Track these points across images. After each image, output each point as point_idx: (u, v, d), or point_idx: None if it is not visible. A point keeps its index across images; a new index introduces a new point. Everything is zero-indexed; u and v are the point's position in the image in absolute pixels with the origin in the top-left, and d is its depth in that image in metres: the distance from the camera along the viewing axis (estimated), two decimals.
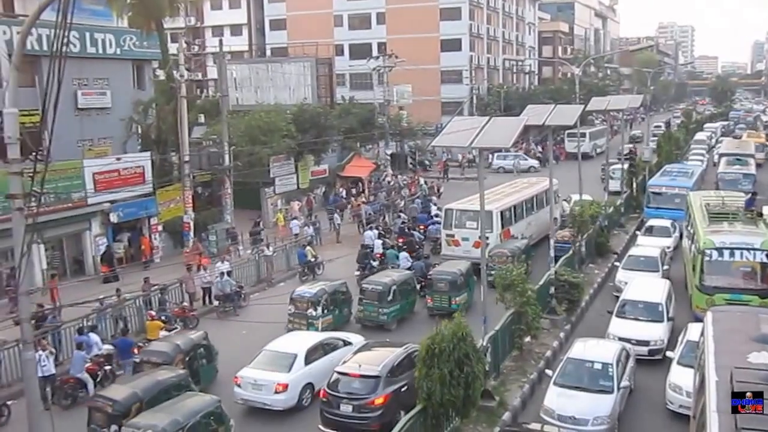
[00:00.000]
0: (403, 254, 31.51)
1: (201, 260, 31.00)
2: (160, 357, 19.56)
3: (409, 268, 29.11)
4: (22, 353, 10.16)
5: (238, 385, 19.16)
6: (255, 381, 18.97)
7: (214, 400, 16.68)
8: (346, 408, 17.19)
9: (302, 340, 20.79)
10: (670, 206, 37.01)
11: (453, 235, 31.90)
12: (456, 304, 25.02)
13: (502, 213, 32.37)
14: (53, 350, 21.11)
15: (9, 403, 19.32)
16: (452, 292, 25.77)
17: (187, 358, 19.95)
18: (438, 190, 51.51)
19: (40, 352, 19.02)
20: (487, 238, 25.27)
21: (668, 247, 32.03)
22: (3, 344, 20.43)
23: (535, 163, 63.98)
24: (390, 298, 25.03)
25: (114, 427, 16.05)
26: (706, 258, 23.71)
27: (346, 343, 21.09)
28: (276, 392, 18.83)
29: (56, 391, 19.82)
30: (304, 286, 26.31)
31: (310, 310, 24.29)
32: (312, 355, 19.82)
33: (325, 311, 24.62)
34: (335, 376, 17.85)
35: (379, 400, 17.05)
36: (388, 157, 56.96)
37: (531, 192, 36.26)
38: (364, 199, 45.33)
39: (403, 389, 17.34)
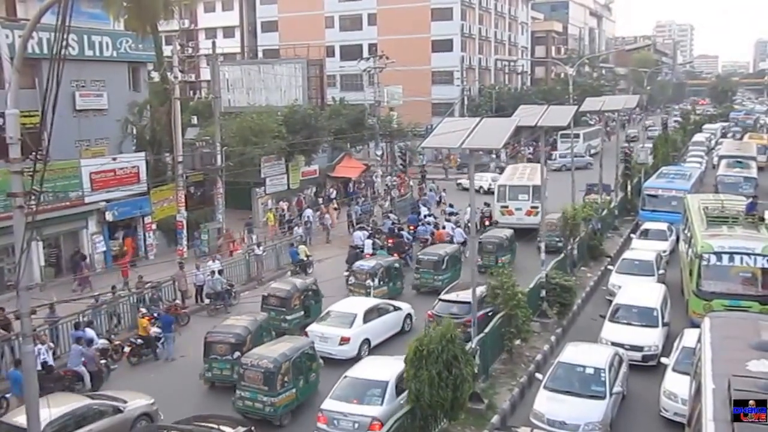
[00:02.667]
0: (458, 230, 35.08)
1: (235, 246, 34.22)
2: (282, 293, 25.01)
3: (463, 243, 33.32)
4: (21, 346, 10.37)
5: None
6: (322, 335, 22.55)
7: (309, 341, 20.61)
8: None
9: (360, 303, 24.74)
10: (666, 209, 36.88)
11: (507, 206, 38.78)
12: (501, 263, 28.81)
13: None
14: (52, 344, 21.88)
15: (8, 396, 19.64)
16: (498, 252, 31.51)
17: (302, 297, 25.23)
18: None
19: (39, 345, 19.61)
20: (538, 207, 32.46)
21: (664, 251, 31.95)
22: (2, 338, 21.17)
23: (590, 159, 63.38)
24: (444, 266, 29.48)
25: (237, 353, 19.95)
26: (704, 262, 23.61)
27: (396, 309, 25.08)
28: (340, 344, 22.47)
29: (55, 384, 20.21)
30: (362, 260, 30.25)
31: (368, 281, 27.69)
32: (369, 315, 23.51)
33: (381, 282, 28.15)
34: (440, 303, 24.07)
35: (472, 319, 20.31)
36: (378, 158, 57.02)
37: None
38: (335, 206, 44.98)
39: (489, 313, 22.25)
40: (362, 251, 33.36)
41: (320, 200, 47.65)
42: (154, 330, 23.76)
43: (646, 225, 35.70)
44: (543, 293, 25.19)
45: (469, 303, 20.71)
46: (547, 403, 17.46)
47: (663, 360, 20.05)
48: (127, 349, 23.14)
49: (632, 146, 64.01)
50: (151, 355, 23.51)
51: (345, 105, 59.36)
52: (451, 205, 43.80)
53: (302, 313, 25.34)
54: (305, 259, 33.44)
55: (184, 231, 35.80)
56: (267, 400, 18.10)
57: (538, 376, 19.52)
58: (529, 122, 26.29)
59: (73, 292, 29.21)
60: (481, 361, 19.54)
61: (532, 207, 37.28)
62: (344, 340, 22.42)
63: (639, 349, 21.34)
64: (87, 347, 21.48)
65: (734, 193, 36.94)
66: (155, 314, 24.98)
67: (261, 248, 33.76)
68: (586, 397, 17.45)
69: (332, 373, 19.77)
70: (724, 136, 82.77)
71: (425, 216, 40.87)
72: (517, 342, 22.02)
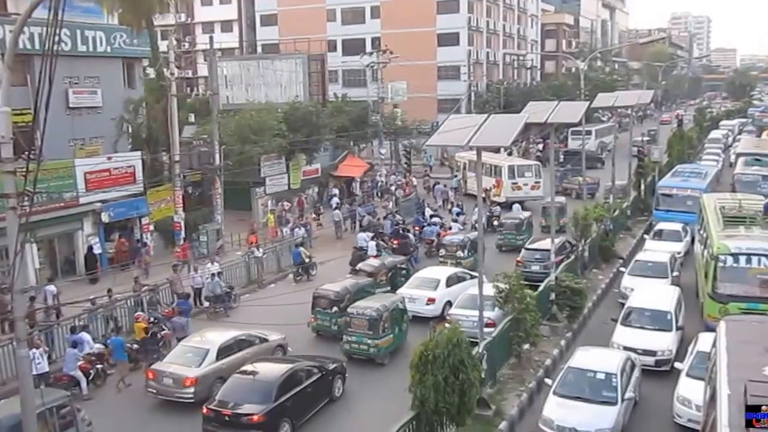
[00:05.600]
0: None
1: (255, 239, 36.02)
2: (369, 268, 29.05)
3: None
4: (16, 351, 10.49)
5: None
6: (410, 296, 26.30)
7: (401, 297, 25.19)
8: (535, 267, 29.76)
9: (443, 270, 29.24)
10: (681, 209, 36.77)
11: (516, 182, 47.59)
12: (520, 241, 34.96)
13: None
14: (47, 348, 22.16)
15: (2, 402, 19.40)
16: (517, 232, 36.79)
17: (389, 273, 29.22)
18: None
19: (34, 350, 19.71)
20: (540, 182, 46.82)
21: (678, 252, 31.89)
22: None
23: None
24: (524, 228, 37.26)
25: (335, 308, 24.72)
26: (720, 264, 23.41)
27: (472, 277, 27.56)
28: (426, 304, 26.68)
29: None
30: (449, 235, 35.38)
31: (458, 252, 32.22)
32: (450, 281, 27.70)
33: (469, 253, 32.23)
34: (524, 251, 31.58)
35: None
36: (382, 157, 57.17)
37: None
38: (314, 216, 44.72)
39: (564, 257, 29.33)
40: (366, 252, 33.47)
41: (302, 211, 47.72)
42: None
43: (660, 225, 35.57)
44: (553, 296, 25.17)
45: (548, 250, 26.68)
46: (556, 409, 17.48)
47: (677, 365, 20.04)
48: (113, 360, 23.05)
49: (646, 142, 63.85)
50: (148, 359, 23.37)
51: (347, 101, 59.55)
52: (458, 206, 43.91)
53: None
54: (307, 260, 33.51)
55: (182, 232, 36.08)
56: (371, 342, 22.56)
57: (548, 381, 19.52)
58: (538, 119, 25.97)
59: (136, 276, 29.84)
60: (489, 365, 19.57)
61: (536, 182, 47.79)
62: (430, 301, 26.74)
63: (652, 353, 21.30)
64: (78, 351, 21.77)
65: (752, 192, 36.45)
66: (152, 318, 25.06)
67: (261, 250, 33.84)
68: (597, 403, 17.46)
69: (419, 328, 24.24)
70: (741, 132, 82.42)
71: (431, 216, 40.99)
72: (526, 346, 22.03)
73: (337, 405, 20.38)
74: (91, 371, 21.80)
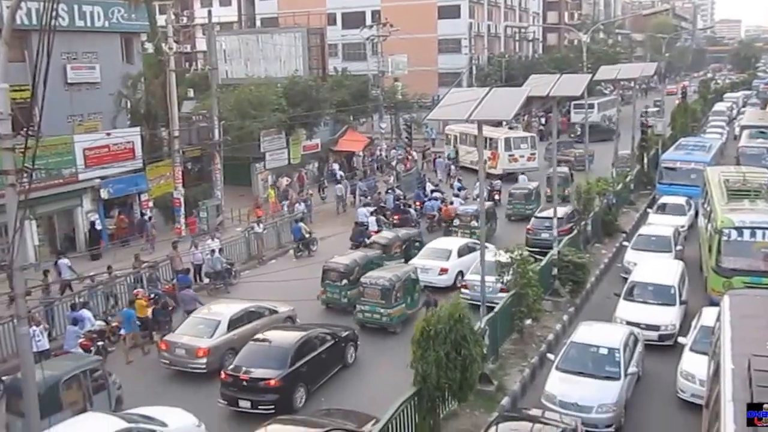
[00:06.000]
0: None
1: (261, 213, 36.89)
2: (384, 241, 29.71)
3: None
4: (17, 329, 10.53)
5: None
6: (423, 267, 27.05)
7: (413, 267, 25.92)
8: (545, 235, 30.07)
9: (455, 241, 30.12)
10: (684, 182, 36.75)
11: (513, 154, 48.83)
12: (529, 210, 36.47)
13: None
14: (47, 326, 22.29)
15: (4, 378, 19.83)
16: (527, 201, 38.18)
17: (403, 246, 29.83)
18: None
19: (34, 327, 19.78)
20: (536, 153, 49.93)
21: (682, 226, 31.91)
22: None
23: None
24: (533, 198, 38.56)
25: (345, 281, 25.32)
26: (724, 238, 23.46)
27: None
28: (439, 274, 27.40)
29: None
30: (464, 205, 36.09)
31: (472, 222, 32.47)
32: (462, 251, 28.48)
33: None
34: (534, 219, 32.56)
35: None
36: (383, 131, 56.99)
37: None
38: (296, 197, 43.43)
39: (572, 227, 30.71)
40: (367, 228, 33.48)
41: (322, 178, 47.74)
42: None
43: (664, 199, 35.60)
44: (555, 271, 25.17)
45: (559, 218, 27.90)
46: (559, 384, 17.54)
47: (680, 339, 20.08)
48: (123, 332, 23.22)
49: (654, 113, 63.35)
50: (148, 338, 23.50)
51: (347, 76, 59.23)
52: (459, 180, 43.91)
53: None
54: (306, 236, 33.54)
55: (182, 208, 36.12)
56: (384, 312, 23.38)
57: (550, 356, 19.64)
58: (540, 92, 25.70)
59: (143, 250, 30.91)
60: (491, 341, 19.63)
61: (531, 154, 49.56)
62: (443, 271, 27.45)
63: (655, 328, 21.36)
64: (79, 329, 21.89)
65: (756, 165, 36.46)
66: (153, 294, 25.15)
67: (261, 226, 33.83)
68: (600, 378, 17.52)
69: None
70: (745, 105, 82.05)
71: (432, 191, 40.95)
72: (528, 322, 22.08)
73: (349, 371, 21.08)
74: (92, 348, 21.71)
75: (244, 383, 18.42)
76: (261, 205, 39.06)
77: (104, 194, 34.37)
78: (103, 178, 34.01)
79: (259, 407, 18.04)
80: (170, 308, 24.51)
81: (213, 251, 29.31)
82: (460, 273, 27.42)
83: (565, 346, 19.02)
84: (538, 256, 25.29)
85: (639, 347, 19.35)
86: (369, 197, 40.75)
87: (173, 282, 27.35)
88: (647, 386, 19.22)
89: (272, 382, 18.27)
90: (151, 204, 36.91)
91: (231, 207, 39.62)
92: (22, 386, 14.00)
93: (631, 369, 18.09)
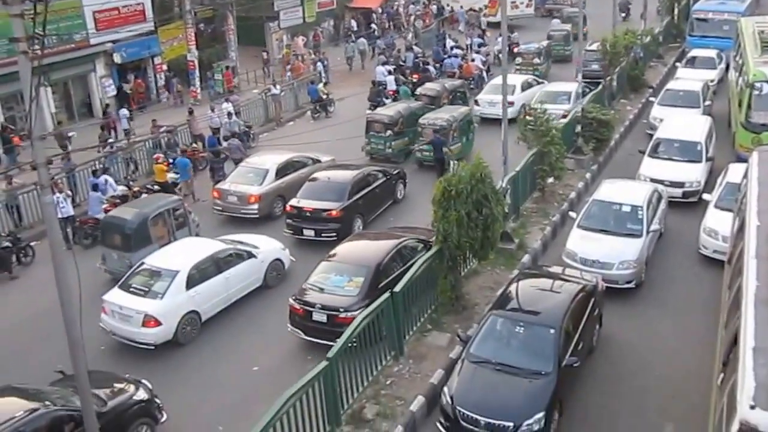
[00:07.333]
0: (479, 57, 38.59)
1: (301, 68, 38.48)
2: (432, 92, 30.32)
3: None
4: (40, 197, 10.70)
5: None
6: (491, 101, 29.42)
7: (468, 109, 28.20)
8: (594, 66, 32.00)
9: (518, 78, 32.25)
10: (716, 34, 35.75)
11: (514, 2, 48.11)
12: (567, 51, 39.67)
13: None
14: (69, 192, 22.73)
15: (33, 244, 20.82)
16: (565, 42, 40.57)
17: (450, 96, 30.54)
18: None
19: (57, 194, 20.27)
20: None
21: (712, 81, 31.21)
22: (21, 187, 22.24)
23: None
24: (570, 38, 40.36)
25: (389, 132, 26.32)
26: (756, 92, 22.93)
27: (541, 82, 33.30)
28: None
29: (77, 232, 21.37)
30: (525, 44, 38.38)
31: (535, 59, 36.01)
32: (524, 86, 31.51)
33: (543, 59, 36.74)
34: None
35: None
36: None
37: None
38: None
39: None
40: (385, 87, 33.06)
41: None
42: (171, 176, 24.24)
43: (694, 52, 34.80)
44: (578, 128, 24.88)
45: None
46: (580, 241, 17.68)
47: (705, 196, 20.05)
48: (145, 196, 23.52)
49: None
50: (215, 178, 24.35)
51: None
52: (480, 36, 42.86)
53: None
54: (324, 97, 33.24)
55: (197, 71, 35.71)
56: (444, 150, 24.58)
57: (572, 214, 19.70)
58: None
59: (154, 120, 29.67)
60: (512, 200, 19.74)
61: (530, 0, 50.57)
62: (510, 104, 26.72)
63: (680, 185, 21.29)
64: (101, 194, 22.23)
65: None
66: (172, 159, 25.33)
67: (278, 87, 33.50)
68: (622, 235, 17.58)
69: (489, 130, 27.29)
70: None
71: (452, 48, 40.11)
72: (550, 180, 22.11)
73: (399, 206, 23.33)
74: None
75: (308, 214, 20.60)
76: (291, 62, 39.50)
77: (117, 58, 34.09)
78: (114, 42, 33.53)
79: (322, 235, 20.34)
80: (223, 157, 25.34)
81: (230, 114, 29.25)
82: (523, 106, 28.46)
83: (587, 204, 19.03)
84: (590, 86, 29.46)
85: (662, 204, 19.36)
86: (388, 55, 39.96)
87: (192, 146, 27.45)
88: (669, 242, 19.38)
89: (333, 212, 20.46)
90: (165, 68, 36.59)
91: (246, 68, 39.17)
92: (113, 223, 18.94)
93: (654, 226, 18.13)
